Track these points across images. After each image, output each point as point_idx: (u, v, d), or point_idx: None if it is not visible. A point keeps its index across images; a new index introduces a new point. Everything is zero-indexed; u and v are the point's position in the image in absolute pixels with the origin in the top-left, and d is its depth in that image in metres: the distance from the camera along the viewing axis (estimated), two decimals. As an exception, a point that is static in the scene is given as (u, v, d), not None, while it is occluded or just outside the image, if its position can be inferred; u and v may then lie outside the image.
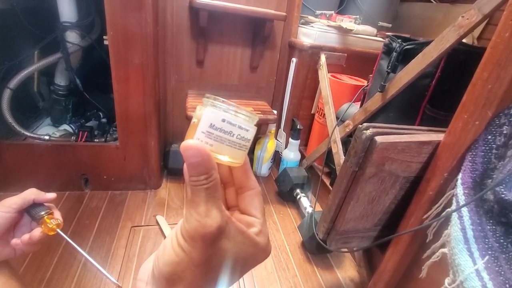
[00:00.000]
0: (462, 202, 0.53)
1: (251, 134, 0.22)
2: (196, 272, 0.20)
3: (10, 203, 0.46)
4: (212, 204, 0.20)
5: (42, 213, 0.47)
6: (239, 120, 0.21)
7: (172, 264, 0.20)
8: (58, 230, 0.46)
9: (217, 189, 0.20)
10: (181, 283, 0.20)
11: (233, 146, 0.21)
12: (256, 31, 1.30)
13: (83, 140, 1.19)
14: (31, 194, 0.47)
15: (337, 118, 1.11)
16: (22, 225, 0.49)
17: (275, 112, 1.31)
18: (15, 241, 0.46)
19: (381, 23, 1.44)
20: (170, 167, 1.32)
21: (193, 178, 0.20)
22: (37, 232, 0.45)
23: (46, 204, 0.49)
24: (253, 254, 0.23)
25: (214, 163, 0.20)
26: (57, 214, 0.48)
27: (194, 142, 0.19)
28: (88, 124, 1.31)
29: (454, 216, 0.53)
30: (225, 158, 0.21)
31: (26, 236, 0.45)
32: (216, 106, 0.21)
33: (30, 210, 0.47)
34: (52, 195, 0.50)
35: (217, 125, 0.20)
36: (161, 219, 1.06)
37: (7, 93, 1.06)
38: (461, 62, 0.75)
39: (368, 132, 0.59)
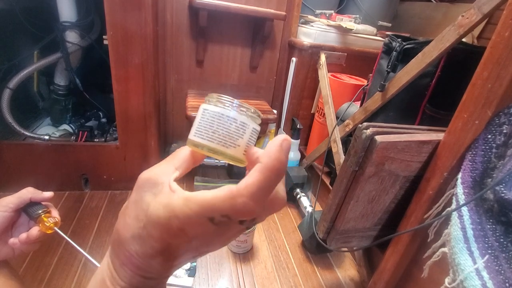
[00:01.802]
0: (462, 202, 0.53)
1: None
2: (120, 216, 0.22)
3: (6, 202, 0.45)
4: (164, 164, 0.23)
5: (39, 211, 0.46)
6: None
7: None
8: (56, 229, 0.46)
9: (174, 156, 0.23)
10: (115, 228, 0.22)
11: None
12: (256, 31, 1.30)
13: (83, 140, 1.19)
14: (28, 193, 0.47)
15: (337, 117, 1.11)
16: (20, 225, 0.49)
17: (275, 111, 1.31)
18: (13, 240, 0.45)
19: (381, 23, 1.44)
20: (170, 167, 1.31)
21: None
22: (34, 230, 0.45)
23: (44, 203, 0.49)
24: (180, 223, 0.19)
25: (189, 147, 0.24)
26: (55, 213, 0.48)
27: None
28: (88, 124, 1.31)
29: (454, 215, 0.53)
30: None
31: (23, 235, 0.45)
32: None
33: (27, 209, 0.47)
34: (49, 193, 0.49)
35: None
36: (161, 218, 1.06)
37: (7, 93, 1.06)
38: (461, 61, 0.75)
39: (368, 131, 0.59)
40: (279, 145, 0.18)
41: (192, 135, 0.23)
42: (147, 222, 0.20)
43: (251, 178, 0.18)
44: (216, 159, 1.36)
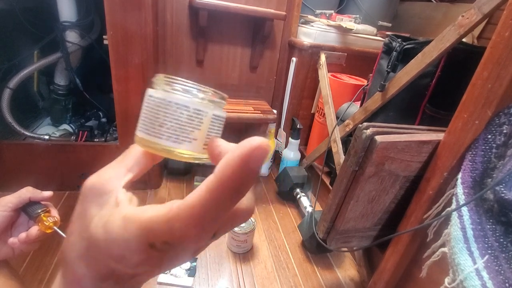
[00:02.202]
0: (462, 202, 0.53)
1: None
2: (67, 232, 0.18)
3: (5, 201, 0.45)
4: (114, 166, 0.19)
5: (39, 211, 0.46)
6: None
7: None
8: (55, 228, 0.46)
9: (126, 155, 0.20)
10: None
11: None
12: (256, 31, 1.30)
13: (83, 139, 1.19)
14: (27, 192, 0.47)
15: (337, 117, 1.11)
16: (20, 224, 0.49)
17: (275, 111, 1.31)
18: (12, 240, 0.45)
19: (381, 23, 1.43)
20: (170, 167, 1.32)
21: None
22: (34, 230, 0.45)
23: (43, 202, 0.49)
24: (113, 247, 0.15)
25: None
26: (54, 212, 0.48)
27: None
28: (88, 123, 1.31)
29: (454, 215, 0.53)
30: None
31: (23, 235, 0.45)
32: None
33: (27, 209, 0.47)
34: (48, 193, 0.49)
35: None
36: (161, 218, 1.06)
37: (7, 93, 1.06)
38: (461, 61, 0.75)
39: (368, 131, 0.59)
40: (245, 155, 0.13)
41: (137, 130, 0.19)
42: (90, 243, 0.16)
43: (194, 196, 0.14)
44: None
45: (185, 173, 1.33)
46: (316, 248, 0.96)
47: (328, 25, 1.25)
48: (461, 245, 0.50)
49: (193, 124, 0.18)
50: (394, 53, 0.83)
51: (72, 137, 1.22)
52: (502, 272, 0.45)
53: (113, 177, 0.18)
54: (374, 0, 1.43)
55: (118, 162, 0.19)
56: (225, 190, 0.13)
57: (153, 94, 0.18)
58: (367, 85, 1.03)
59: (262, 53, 1.37)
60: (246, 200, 0.17)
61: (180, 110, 0.17)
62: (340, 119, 1.09)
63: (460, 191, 0.54)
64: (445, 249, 0.55)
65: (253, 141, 0.13)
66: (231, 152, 0.13)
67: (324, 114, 1.19)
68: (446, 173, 0.59)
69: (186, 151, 0.18)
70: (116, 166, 0.19)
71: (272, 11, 1.18)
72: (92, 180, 0.18)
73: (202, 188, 0.14)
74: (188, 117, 0.18)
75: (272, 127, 1.39)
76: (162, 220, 0.14)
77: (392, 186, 0.67)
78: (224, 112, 0.20)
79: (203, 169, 1.39)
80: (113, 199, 0.17)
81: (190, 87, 0.18)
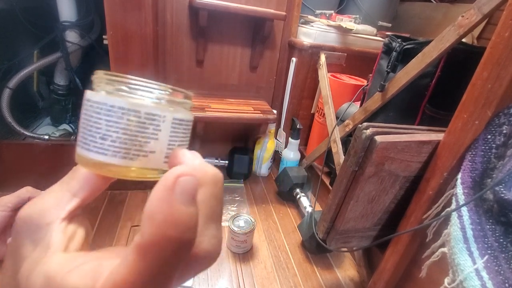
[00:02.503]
0: (461, 202, 0.53)
1: None
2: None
3: (5, 201, 0.45)
4: (56, 191, 0.16)
5: None
6: None
7: None
8: None
9: (72, 176, 0.16)
10: None
11: None
12: (256, 31, 1.30)
13: (83, 139, 1.19)
14: (27, 192, 0.47)
15: (337, 117, 1.11)
16: None
17: (274, 111, 1.31)
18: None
19: (381, 23, 1.44)
20: (170, 166, 1.31)
21: None
22: None
23: None
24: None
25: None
26: None
27: None
28: (87, 123, 1.31)
29: (454, 215, 0.53)
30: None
31: None
32: None
33: None
34: None
35: None
36: (160, 218, 1.05)
37: (6, 93, 1.06)
38: (460, 61, 0.75)
39: (368, 131, 0.59)
40: (168, 190, 0.10)
41: (77, 146, 0.15)
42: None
43: (123, 267, 0.10)
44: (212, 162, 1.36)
45: (185, 173, 1.33)
46: (316, 248, 0.96)
47: (328, 25, 1.25)
48: (461, 245, 0.50)
49: (147, 134, 0.14)
50: (394, 53, 0.83)
51: (72, 137, 1.22)
52: (501, 272, 0.45)
53: (53, 205, 0.15)
54: (374, 0, 1.43)
55: (62, 184, 0.16)
56: (162, 246, 0.10)
57: (91, 97, 0.14)
58: (367, 85, 1.03)
59: (262, 53, 1.37)
60: (207, 241, 0.13)
61: (126, 117, 0.13)
62: (340, 119, 1.09)
63: (459, 191, 0.54)
64: (444, 249, 0.55)
65: (173, 173, 0.11)
66: (149, 199, 0.10)
67: (324, 114, 1.19)
68: (446, 173, 0.59)
69: (141, 169, 0.14)
70: (59, 190, 0.16)
71: (272, 11, 1.18)
72: (27, 210, 0.14)
73: (130, 253, 0.10)
74: (139, 125, 0.13)
75: (272, 127, 1.39)
76: None
77: (392, 186, 0.67)
78: (190, 114, 0.16)
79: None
80: (47, 240, 0.14)
81: (140, 85, 0.14)
